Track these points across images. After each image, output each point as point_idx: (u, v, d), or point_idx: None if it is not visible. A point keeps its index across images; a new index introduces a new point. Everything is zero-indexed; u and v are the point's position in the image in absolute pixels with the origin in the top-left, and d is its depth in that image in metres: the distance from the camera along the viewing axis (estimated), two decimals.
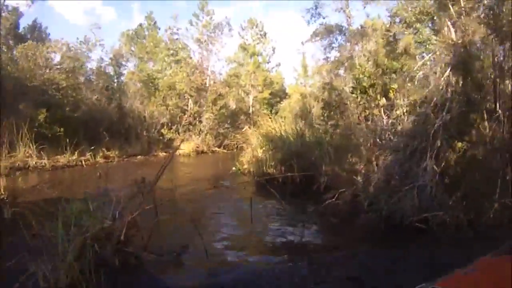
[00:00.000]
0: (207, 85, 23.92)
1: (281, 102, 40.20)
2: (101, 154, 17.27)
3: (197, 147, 21.38)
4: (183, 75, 22.39)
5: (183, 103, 22.89)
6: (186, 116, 21.91)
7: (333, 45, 14.95)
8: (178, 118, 22.09)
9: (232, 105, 26.59)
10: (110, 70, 24.59)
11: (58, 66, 19.30)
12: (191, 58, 24.10)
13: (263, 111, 34.52)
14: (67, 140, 16.15)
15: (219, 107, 22.89)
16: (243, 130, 16.91)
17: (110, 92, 22.59)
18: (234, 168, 13.14)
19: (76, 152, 16.22)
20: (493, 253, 1.84)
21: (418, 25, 11.87)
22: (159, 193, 5.82)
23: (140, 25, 27.85)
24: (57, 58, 19.79)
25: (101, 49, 22.99)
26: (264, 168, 11.17)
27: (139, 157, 18.74)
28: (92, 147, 17.00)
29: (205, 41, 25.73)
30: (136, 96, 21.86)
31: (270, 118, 19.02)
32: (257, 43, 36.29)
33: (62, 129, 16.64)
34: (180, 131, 21.80)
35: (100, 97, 21.57)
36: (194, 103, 22.54)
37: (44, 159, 14.95)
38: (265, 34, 36.00)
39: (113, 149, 18.02)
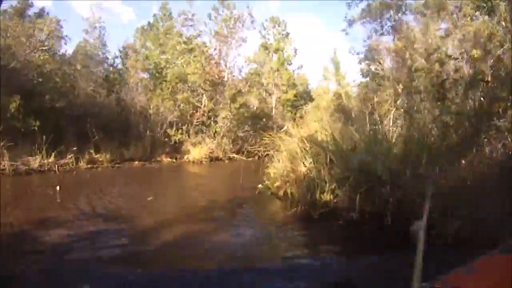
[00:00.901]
0: (225, 79, 19.94)
1: (306, 105, 36.31)
2: (87, 157, 13.42)
3: (211, 152, 17.41)
4: (197, 65, 18.48)
5: (196, 99, 18.94)
6: (198, 114, 17.96)
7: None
8: (188, 117, 18.14)
9: (255, 103, 22.59)
10: (118, 63, 20.90)
11: (44, 47, 15.57)
12: (206, 47, 20.04)
13: (287, 114, 30.76)
14: (44, 137, 12.31)
15: (238, 105, 18.86)
16: (281, 130, 12.66)
17: (111, 83, 18.85)
18: (260, 186, 9.45)
19: (53, 153, 12.34)
20: (493, 252, 1.72)
21: None
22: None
23: (155, 15, 24.21)
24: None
25: (103, 32, 19.27)
26: (316, 192, 6.97)
27: (136, 163, 14.85)
28: (76, 148, 13.14)
29: (225, 36, 21.76)
30: (138, 88, 17.99)
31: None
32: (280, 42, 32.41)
33: (38, 123, 12.83)
34: (191, 132, 17.87)
35: (97, 88, 17.81)
36: (208, 99, 18.57)
37: (5, 160, 11.13)
38: (287, 34, 32.13)
39: (105, 152, 14.14)
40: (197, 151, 16.78)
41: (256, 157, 19.04)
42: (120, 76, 19.66)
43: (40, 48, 15.30)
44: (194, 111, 18.07)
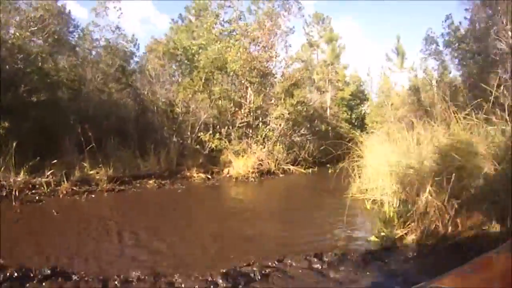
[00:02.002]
0: (277, 68, 15.04)
1: (362, 105, 30.83)
2: (77, 174, 8.87)
3: (260, 163, 12.50)
4: (240, 49, 13.73)
5: (239, 94, 14.16)
6: (242, 112, 13.13)
7: None
8: (229, 116, 13.37)
9: (315, 99, 17.62)
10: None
11: (34, 28, 11.27)
12: (251, 28, 15.13)
13: (342, 115, 25.48)
14: (14, 144, 7.99)
15: (296, 101, 13.87)
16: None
17: (127, 75, 14.47)
18: (374, 238, 5.21)
19: (23, 168, 7.96)
20: (493, 251, 1.74)
21: None
22: None
23: (186, 7, 19.82)
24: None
25: (118, 16, 14.82)
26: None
27: (152, 181, 10.06)
28: (63, 160, 8.69)
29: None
30: (161, 78, 13.44)
31: None
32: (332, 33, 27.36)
33: (6, 124, 8.48)
34: (232, 136, 13.11)
35: (106, 80, 13.43)
36: (255, 94, 13.71)
37: None
38: (332, 30, 27.04)
39: (107, 164, 9.57)
40: (241, 163, 11.94)
41: (315, 168, 14.37)
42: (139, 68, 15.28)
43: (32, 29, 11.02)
44: (237, 109, 13.24)
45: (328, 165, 17.34)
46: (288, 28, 17.86)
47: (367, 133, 27.38)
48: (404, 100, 18.35)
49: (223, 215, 6.99)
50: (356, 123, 28.65)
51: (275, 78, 14.95)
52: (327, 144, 18.43)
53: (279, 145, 13.80)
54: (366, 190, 9.31)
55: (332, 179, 13.35)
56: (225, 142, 12.65)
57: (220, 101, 13.21)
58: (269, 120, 13.74)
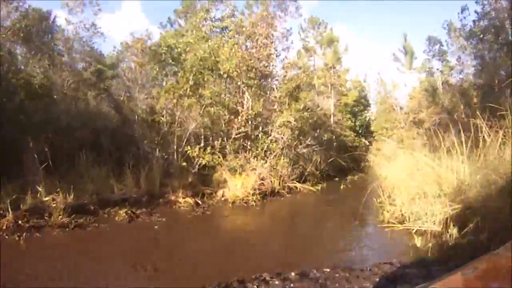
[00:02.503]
0: (278, 69, 12.86)
1: (366, 111, 28.68)
2: (29, 201, 6.65)
3: (262, 183, 10.26)
4: (234, 46, 11.59)
5: (234, 100, 11.97)
6: (239, 120, 10.88)
7: None
8: (223, 126, 11.15)
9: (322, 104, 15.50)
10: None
11: None
12: (242, 27, 12.82)
13: (346, 122, 23.26)
14: None
15: (302, 106, 11.71)
16: None
17: (103, 81, 12.26)
18: None
19: None
20: (493, 252, 1.74)
21: None
22: None
23: (175, 10, 17.63)
24: None
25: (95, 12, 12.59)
26: None
27: (123, 211, 7.71)
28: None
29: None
30: (139, 80, 11.22)
31: None
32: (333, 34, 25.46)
33: None
34: (227, 150, 10.89)
35: (77, 83, 11.20)
36: (254, 98, 11.51)
37: None
38: (332, 30, 25.41)
39: (66, 188, 7.31)
40: (239, 183, 9.70)
41: (324, 183, 12.17)
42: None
43: None
44: (232, 117, 10.99)
45: (336, 178, 15.23)
46: (285, 30, 15.79)
47: (375, 140, 25.46)
48: (421, 103, 16.29)
49: (212, 274, 4.69)
50: (360, 131, 26.57)
51: (276, 80, 12.79)
52: (335, 155, 16.66)
53: (283, 159, 11.57)
54: (402, 214, 7.22)
55: (348, 197, 11.25)
56: (219, 157, 10.41)
57: (212, 107, 10.96)
58: (271, 130, 11.51)
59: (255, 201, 9.46)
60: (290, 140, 11.70)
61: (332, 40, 24.56)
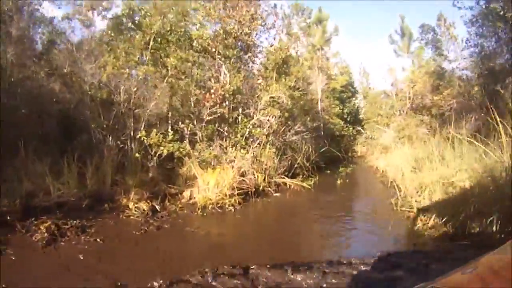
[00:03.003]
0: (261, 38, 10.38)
1: (354, 98, 26.68)
2: None
3: (242, 179, 7.95)
4: (212, 9, 9.15)
5: (207, 74, 9.54)
6: (212, 97, 8.39)
7: None
8: (192, 106, 8.74)
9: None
10: None
11: None
12: None
13: (334, 109, 21.07)
14: None
15: (294, 81, 9.43)
16: None
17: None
18: None
19: None
20: (493, 252, 1.67)
21: None
22: None
23: None
24: None
25: None
26: None
27: (45, 227, 5.17)
28: None
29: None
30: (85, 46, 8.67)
31: None
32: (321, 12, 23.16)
33: None
34: (199, 137, 8.51)
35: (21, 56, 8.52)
36: (233, 73, 9.07)
37: None
38: (320, 9, 22.84)
39: None
40: (212, 180, 7.32)
41: (316, 177, 10.12)
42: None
43: None
44: (205, 93, 8.50)
45: (328, 171, 13.14)
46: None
47: (365, 129, 23.50)
48: (426, 86, 14.24)
49: None
50: (348, 119, 24.58)
51: (260, 52, 10.39)
52: (327, 144, 14.51)
53: (269, 148, 9.29)
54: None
55: (350, 197, 9.16)
56: (185, 146, 8.00)
57: (178, 81, 8.51)
58: (254, 111, 9.16)
59: (233, 205, 7.12)
60: (277, 125, 9.37)
61: (320, 19, 22.34)
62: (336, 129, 21.47)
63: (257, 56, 10.22)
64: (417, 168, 9.37)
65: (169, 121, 9.06)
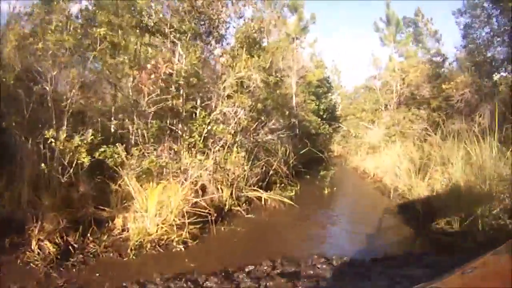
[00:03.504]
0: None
1: (330, 94, 24.70)
2: None
3: (200, 196, 5.56)
4: None
5: (153, 53, 7.05)
6: (154, 75, 5.89)
7: None
8: (130, 93, 6.24)
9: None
10: None
11: None
12: None
13: (310, 105, 19.80)
14: None
15: (268, 64, 7.11)
16: None
17: None
18: None
19: None
20: (493, 252, 1.74)
21: None
22: None
23: None
24: None
25: None
26: None
27: None
28: None
29: None
30: None
31: None
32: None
33: None
34: (138, 138, 6.04)
35: None
36: (189, 53, 6.61)
37: None
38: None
39: None
40: (152, 204, 4.89)
41: (296, 185, 8.76)
42: None
43: None
44: (143, 73, 6.00)
45: (308, 176, 10.99)
46: None
47: (339, 126, 21.60)
48: (422, 76, 12.28)
49: None
50: (325, 116, 22.59)
51: (227, 30, 7.96)
52: (309, 145, 12.36)
53: (237, 151, 6.95)
54: None
55: (349, 213, 7.10)
56: (115, 149, 5.52)
57: (110, 58, 6.00)
58: (216, 102, 6.76)
59: (184, 242, 4.74)
60: (247, 121, 7.03)
61: (295, 7, 20.10)
62: (313, 127, 19.42)
63: (224, 37, 7.78)
64: (418, 172, 7.66)
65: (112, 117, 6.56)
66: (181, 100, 6.41)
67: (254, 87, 6.62)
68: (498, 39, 9.18)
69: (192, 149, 6.18)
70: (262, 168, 7.95)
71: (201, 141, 6.35)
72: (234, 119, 6.54)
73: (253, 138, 7.89)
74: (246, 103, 6.38)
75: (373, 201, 8.43)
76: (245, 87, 6.61)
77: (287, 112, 12.51)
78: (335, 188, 9.40)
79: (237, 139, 6.88)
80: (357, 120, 15.80)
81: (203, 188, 5.99)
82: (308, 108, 19.66)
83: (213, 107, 6.63)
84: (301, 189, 8.86)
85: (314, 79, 20.93)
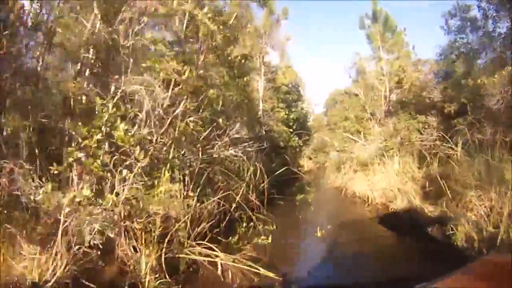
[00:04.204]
0: None
1: (301, 102, 21.93)
2: None
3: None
4: None
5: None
6: None
7: None
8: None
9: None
10: None
11: None
12: None
13: (279, 114, 16.93)
14: None
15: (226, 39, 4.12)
16: None
17: None
18: None
19: None
20: (492, 253, 1.95)
21: None
22: None
23: None
24: None
25: None
26: None
27: None
28: None
29: None
30: None
31: None
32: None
33: None
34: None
35: None
36: None
37: None
38: None
39: None
40: None
41: (270, 225, 5.92)
42: None
43: None
44: None
45: (282, 201, 7.94)
46: None
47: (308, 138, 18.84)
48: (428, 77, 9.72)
49: None
50: (295, 127, 19.83)
51: None
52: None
53: (166, 177, 3.79)
54: None
55: None
56: None
57: None
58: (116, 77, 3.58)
59: None
60: (193, 124, 3.91)
61: None
62: (282, 139, 16.62)
63: None
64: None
65: None
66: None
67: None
68: None
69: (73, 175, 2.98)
70: (219, 203, 4.84)
71: (98, 158, 3.15)
72: (161, 115, 3.38)
73: (203, 154, 4.76)
74: (189, 84, 3.25)
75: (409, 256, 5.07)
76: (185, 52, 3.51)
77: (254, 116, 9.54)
78: (329, 226, 6.39)
79: (169, 158, 3.70)
80: (340, 131, 13.00)
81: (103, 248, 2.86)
82: (276, 117, 16.87)
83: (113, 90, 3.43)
84: (278, 228, 5.82)
85: (286, 82, 18.19)
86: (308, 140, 21.29)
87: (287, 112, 18.56)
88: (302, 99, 22.48)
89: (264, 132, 13.36)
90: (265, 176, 6.60)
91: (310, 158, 20.96)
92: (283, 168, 8.50)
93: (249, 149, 6.70)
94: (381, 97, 12.26)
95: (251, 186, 6.20)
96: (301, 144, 20.38)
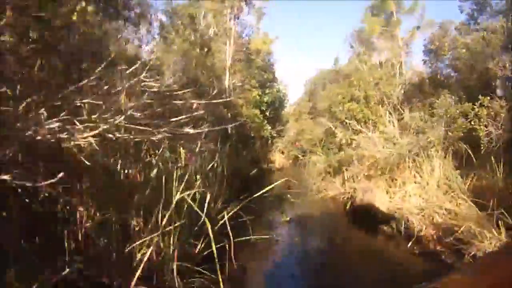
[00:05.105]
0: None
1: (277, 84, 17.90)
2: None
3: None
4: None
5: None
6: None
7: None
8: None
9: None
10: None
11: None
12: None
13: (251, 94, 13.77)
14: None
15: None
16: None
17: None
18: None
19: None
20: (493, 252, 1.81)
21: None
22: None
23: None
24: None
25: None
26: None
27: None
28: None
29: None
30: None
31: None
32: None
33: None
34: None
35: None
36: None
37: None
38: None
39: None
40: None
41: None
42: None
43: None
44: None
45: (255, 232, 4.22)
46: None
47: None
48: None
49: None
50: (268, 112, 16.07)
51: None
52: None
53: None
54: None
55: None
56: None
57: None
58: None
59: None
60: None
61: None
62: (253, 127, 12.91)
63: None
64: None
65: None
66: None
67: None
68: None
69: None
70: None
71: None
72: None
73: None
74: None
75: None
76: None
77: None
78: None
79: None
80: (342, 116, 8.96)
81: None
82: (247, 97, 13.09)
83: None
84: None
85: (264, 49, 14.33)
86: (282, 130, 17.68)
87: (259, 93, 14.74)
88: (278, 81, 18.67)
89: (229, 116, 9.76)
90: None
91: (283, 153, 17.30)
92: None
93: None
94: (395, 75, 8.65)
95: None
96: (274, 135, 16.72)
